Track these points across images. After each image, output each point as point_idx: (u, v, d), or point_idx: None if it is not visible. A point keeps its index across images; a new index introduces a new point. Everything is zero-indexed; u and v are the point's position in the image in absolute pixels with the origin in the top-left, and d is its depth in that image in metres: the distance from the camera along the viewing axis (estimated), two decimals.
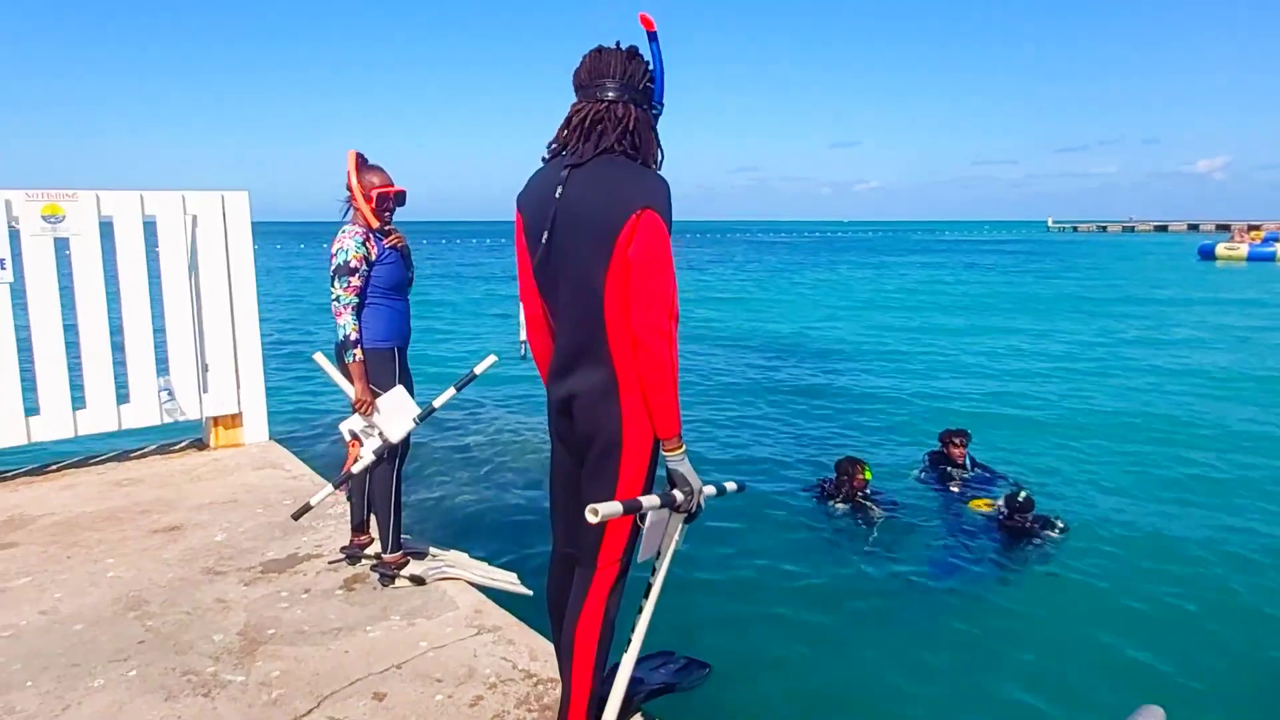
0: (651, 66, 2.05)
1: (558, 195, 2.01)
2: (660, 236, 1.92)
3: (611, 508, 1.91)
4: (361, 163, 3.41)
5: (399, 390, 3.42)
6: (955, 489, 6.43)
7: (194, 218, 5.32)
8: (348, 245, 3.29)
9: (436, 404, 3.51)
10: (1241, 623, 4.51)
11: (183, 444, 5.64)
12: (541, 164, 2.14)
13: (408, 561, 3.47)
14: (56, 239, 4.81)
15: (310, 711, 2.51)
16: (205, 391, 5.42)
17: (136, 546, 3.84)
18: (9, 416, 4.78)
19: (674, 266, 1.94)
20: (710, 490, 2.22)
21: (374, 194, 3.36)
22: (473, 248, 63.25)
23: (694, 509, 2.09)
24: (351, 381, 3.35)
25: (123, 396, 5.15)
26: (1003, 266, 39.89)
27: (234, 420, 5.60)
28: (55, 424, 4.93)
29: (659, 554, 2.18)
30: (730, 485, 2.37)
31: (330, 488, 3.60)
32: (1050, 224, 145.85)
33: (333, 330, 3.35)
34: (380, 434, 3.39)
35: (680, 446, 2.04)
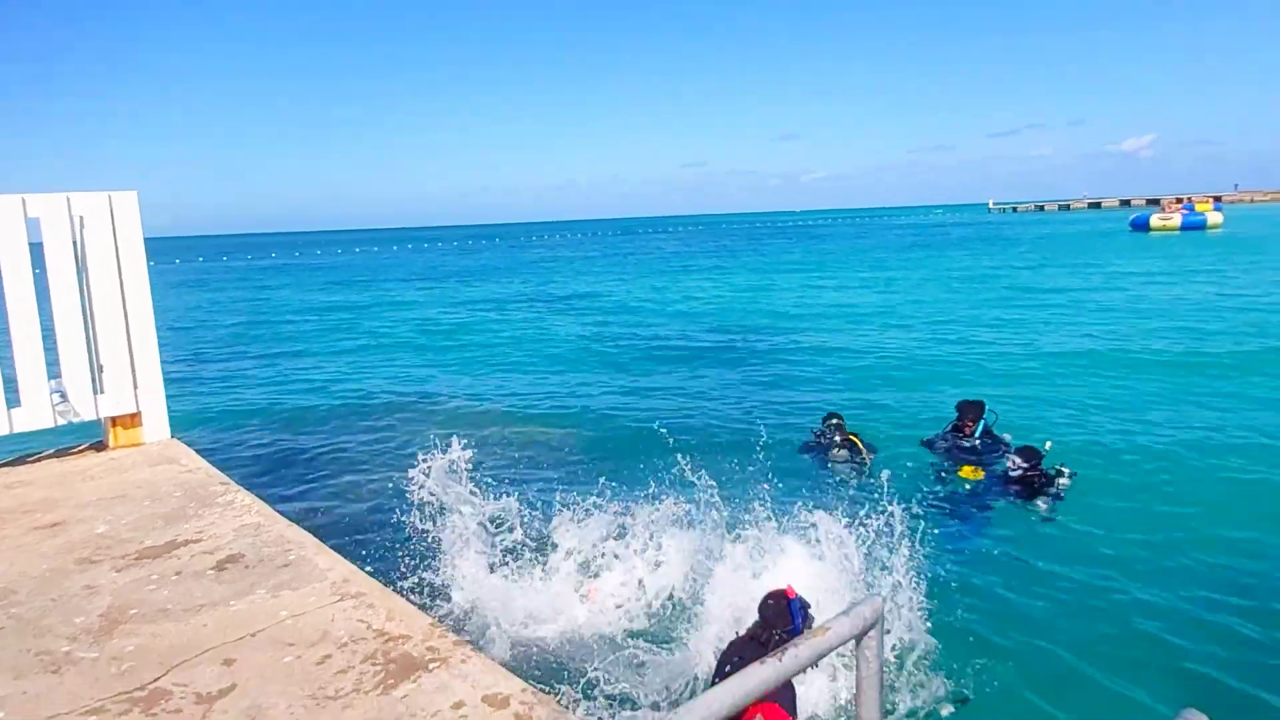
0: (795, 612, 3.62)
1: None
2: None
3: None
4: None
5: None
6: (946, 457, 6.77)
7: (80, 219, 5.28)
8: None
9: None
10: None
11: (82, 446, 5.60)
12: None
13: None
14: None
15: (156, 680, 2.58)
16: (101, 393, 5.39)
17: (13, 544, 3.83)
18: None
19: None
20: None
21: None
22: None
23: None
24: None
25: (13, 400, 5.11)
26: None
27: (133, 420, 5.57)
28: None
29: None
30: None
31: None
32: (991, 206, 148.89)
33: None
34: None
35: None
